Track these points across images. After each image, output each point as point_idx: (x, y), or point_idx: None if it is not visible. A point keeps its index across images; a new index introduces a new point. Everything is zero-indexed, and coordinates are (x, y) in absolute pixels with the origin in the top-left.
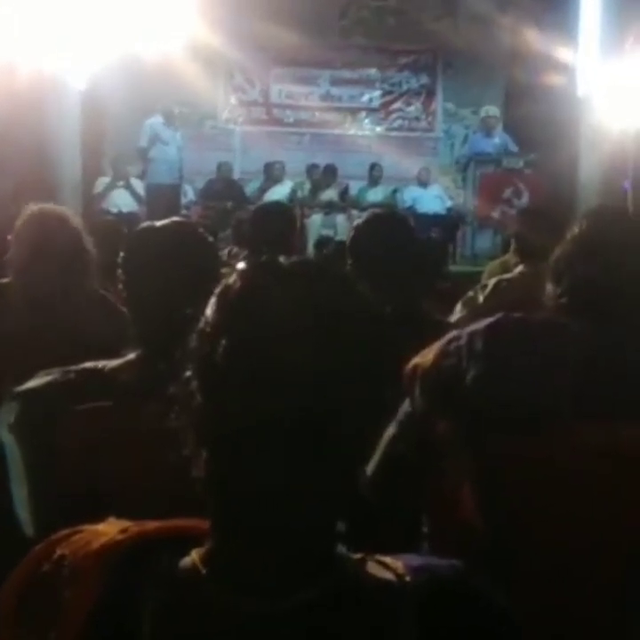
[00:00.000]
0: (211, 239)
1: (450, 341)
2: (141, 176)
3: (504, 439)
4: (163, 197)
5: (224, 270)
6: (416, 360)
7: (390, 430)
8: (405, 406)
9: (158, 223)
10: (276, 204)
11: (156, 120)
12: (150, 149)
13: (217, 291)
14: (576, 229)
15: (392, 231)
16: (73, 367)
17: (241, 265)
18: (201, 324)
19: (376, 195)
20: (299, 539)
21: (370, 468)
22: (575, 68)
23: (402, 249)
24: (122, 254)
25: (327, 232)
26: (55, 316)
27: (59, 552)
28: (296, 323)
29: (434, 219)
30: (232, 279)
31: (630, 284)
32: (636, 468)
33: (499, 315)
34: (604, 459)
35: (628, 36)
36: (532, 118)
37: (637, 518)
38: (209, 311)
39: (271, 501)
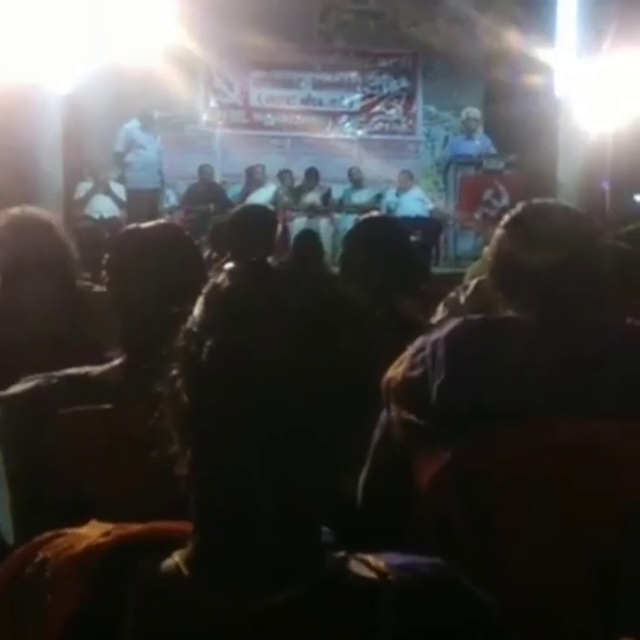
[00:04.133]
0: (195, 242)
1: (417, 352)
2: (120, 180)
3: (476, 441)
4: (143, 203)
5: (209, 273)
6: (389, 373)
7: (376, 435)
8: (384, 414)
9: (143, 225)
10: (256, 207)
11: (133, 124)
12: (127, 154)
13: (205, 290)
14: (499, 237)
15: (389, 234)
16: (56, 373)
17: (229, 265)
18: (188, 324)
19: (360, 198)
20: (280, 537)
21: (362, 474)
22: (553, 69)
23: (394, 253)
24: (106, 257)
25: None
26: (48, 326)
27: (41, 555)
28: (283, 324)
29: (416, 221)
30: (220, 279)
31: (571, 275)
32: (609, 463)
33: (459, 319)
34: (578, 454)
35: (605, 36)
36: (511, 119)
37: (611, 513)
38: (196, 311)
39: (253, 500)
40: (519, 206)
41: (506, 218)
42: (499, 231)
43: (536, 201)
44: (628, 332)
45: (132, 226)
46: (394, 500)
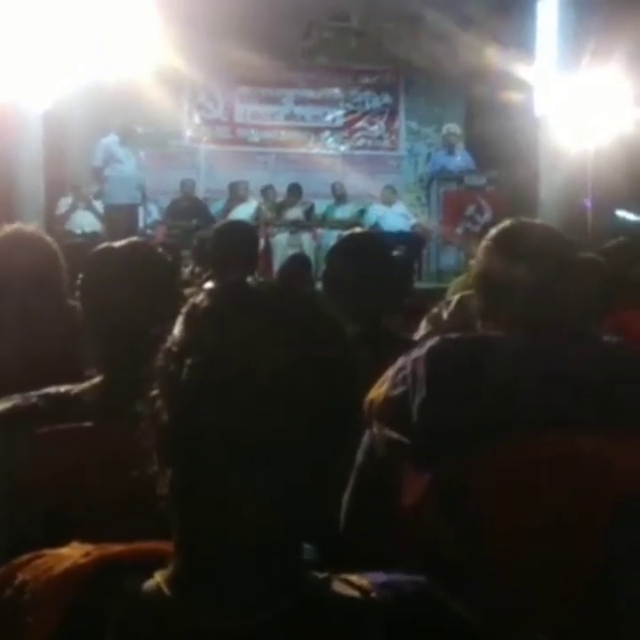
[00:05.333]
0: (169, 258)
1: (397, 371)
2: (97, 196)
3: (459, 457)
4: (121, 218)
5: (188, 290)
6: (371, 394)
7: (359, 456)
8: (367, 434)
9: (115, 245)
10: (238, 223)
11: (112, 139)
12: (105, 169)
13: (184, 310)
14: (483, 253)
15: (370, 251)
16: (34, 392)
17: (209, 284)
18: (168, 343)
19: (343, 213)
20: (262, 557)
21: (345, 495)
22: (533, 85)
23: (378, 269)
24: (80, 276)
25: (293, 251)
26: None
27: (20, 577)
28: (262, 343)
29: (398, 236)
30: (199, 298)
31: (553, 291)
32: (594, 476)
33: (438, 338)
34: (563, 467)
35: (584, 53)
36: (492, 135)
37: (596, 526)
38: (176, 330)
39: (234, 519)
40: (502, 224)
41: (489, 234)
42: (483, 247)
43: (518, 219)
44: (608, 345)
45: (104, 245)
46: (378, 520)
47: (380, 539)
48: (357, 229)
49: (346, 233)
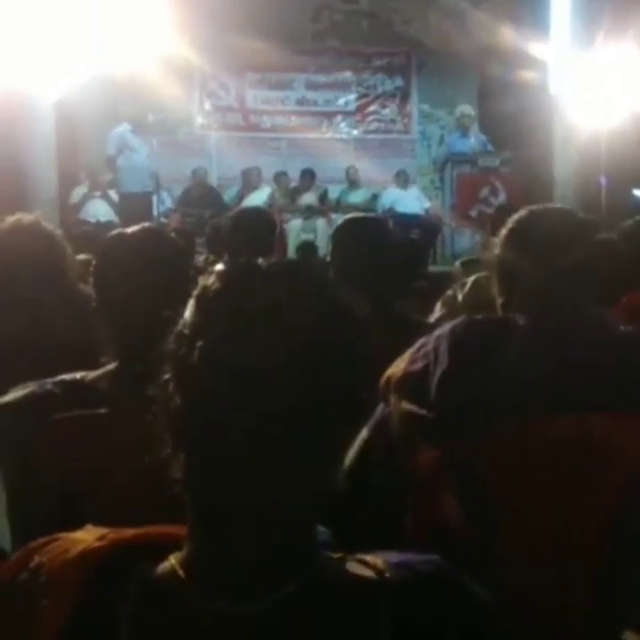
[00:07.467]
0: (180, 242)
1: (419, 348)
2: (110, 185)
3: (471, 437)
4: (135, 206)
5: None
6: (389, 371)
7: (367, 428)
8: (380, 409)
9: (127, 230)
10: (254, 209)
11: (124, 128)
12: (118, 158)
13: (195, 292)
14: (506, 236)
15: (370, 234)
16: (50, 379)
17: (219, 266)
18: (179, 326)
19: (357, 197)
20: (276, 538)
21: (346, 464)
22: (547, 64)
23: (380, 251)
24: (93, 263)
25: (307, 236)
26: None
27: (36, 560)
28: (273, 324)
29: (413, 220)
30: (210, 280)
31: (568, 279)
32: (606, 459)
33: (461, 318)
34: (572, 447)
35: (598, 31)
36: (506, 116)
37: (607, 508)
38: (187, 313)
39: (247, 501)
40: (520, 212)
41: (507, 224)
42: (500, 237)
43: (535, 207)
44: (622, 330)
45: (115, 232)
46: (377, 493)
47: (385, 509)
48: (357, 214)
49: (344, 218)
